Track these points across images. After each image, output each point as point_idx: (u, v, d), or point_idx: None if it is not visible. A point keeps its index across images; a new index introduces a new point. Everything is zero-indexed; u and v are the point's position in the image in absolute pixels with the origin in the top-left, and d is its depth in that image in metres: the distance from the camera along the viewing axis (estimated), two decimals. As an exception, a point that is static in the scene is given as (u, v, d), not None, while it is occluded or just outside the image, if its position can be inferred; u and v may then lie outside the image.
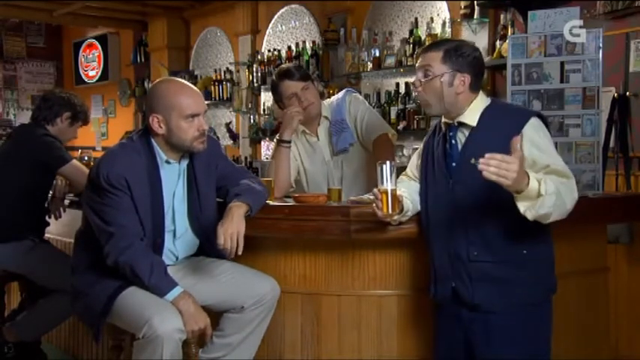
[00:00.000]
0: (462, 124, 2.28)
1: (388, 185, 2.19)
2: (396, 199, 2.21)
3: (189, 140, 2.45)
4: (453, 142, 2.28)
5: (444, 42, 2.34)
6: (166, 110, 2.43)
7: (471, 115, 2.26)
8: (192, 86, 2.54)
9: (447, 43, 2.32)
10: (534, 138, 2.17)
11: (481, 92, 2.32)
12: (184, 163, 2.55)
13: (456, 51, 2.25)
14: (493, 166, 1.91)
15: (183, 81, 2.55)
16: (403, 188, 2.38)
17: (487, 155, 1.92)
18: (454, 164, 2.26)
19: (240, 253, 2.37)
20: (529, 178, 1.98)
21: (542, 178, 2.02)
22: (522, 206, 2.03)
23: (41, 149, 3.41)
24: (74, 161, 3.46)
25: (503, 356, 2.22)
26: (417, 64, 2.33)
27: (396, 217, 2.29)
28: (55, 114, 3.52)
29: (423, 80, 2.27)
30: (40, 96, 3.68)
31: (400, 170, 2.57)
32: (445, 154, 2.30)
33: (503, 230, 2.19)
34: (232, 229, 2.35)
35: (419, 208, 2.38)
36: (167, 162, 2.51)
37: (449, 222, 2.26)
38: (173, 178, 2.53)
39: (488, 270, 2.20)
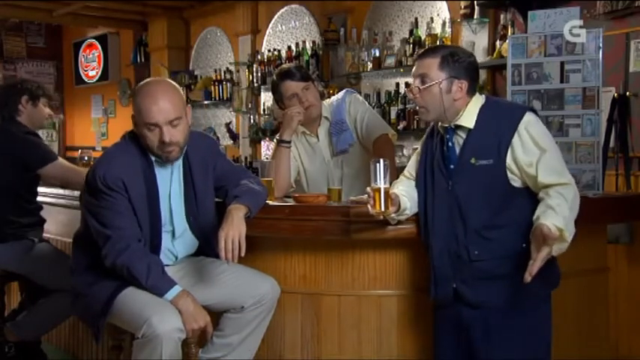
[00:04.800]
0: (459, 127, 2.30)
1: (381, 183, 2.21)
2: (389, 198, 2.23)
3: (154, 148, 2.41)
4: (450, 144, 2.30)
5: (440, 48, 2.36)
6: (136, 113, 2.42)
7: (468, 118, 2.28)
8: (168, 93, 2.40)
9: (443, 49, 2.33)
10: (532, 135, 2.21)
11: (477, 94, 2.33)
12: (178, 162, 2.52)
13: (452, 57, 2.26)
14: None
15: (161, 86, 2.42)
16: (402, 187, 2.40)
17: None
18: (452, 166, 2.28)
19: (242, 255, 2.36)
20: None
21: (553, 219, 2.09)
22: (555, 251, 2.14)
23: (23, 150, 3.38)
24: (59, 160, 3.42)
25: (505, 355, 2.22)
26: (413, 71, 2.33)
27: (393, 215, 2.31)
28: (14, 104, 3.48)
29: (420, 87, 2.27)
30: None
31: (401, 170, 2.59)
32: (443, 156, 2.31)
33: (502, 227, 2.21)
34: (233, 233, 2.34)
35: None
36: (158, 162, 2.49)
37: (449, 222, 2.27)
38: (168, 177, 2.52)
39: (490, 268, 2.22)
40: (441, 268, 2.29)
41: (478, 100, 2.31)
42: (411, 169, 2.49)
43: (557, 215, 2.09)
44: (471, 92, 2.29)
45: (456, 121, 2.29)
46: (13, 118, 3.49)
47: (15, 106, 3.48)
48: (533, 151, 2.19)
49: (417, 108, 2.35)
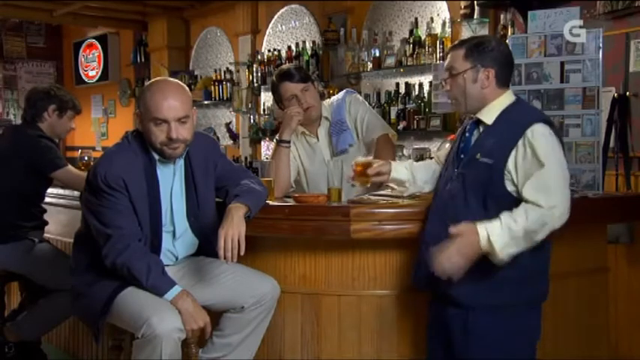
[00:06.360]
0: (480, 121, 2.30)
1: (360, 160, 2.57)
2: (369, 168, 2.50)
3: (158, 144, 2.42)
4: (467, 135, 2.31)
5: (469, 39, 2.36)
6: (143, 109, 2.42)
7: (489, 113, 2.27)
8: (178, 91, 2.44)
9: (471, 40, 2.34)
10: (534, 147, 2.16)
11: (509, 91, 2.32)
12: (180, 161, 2.54)
13: (478, 46, 2.27)
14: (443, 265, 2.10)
15: (171, 84, 2.46)
16: (415, 164, 2.57)
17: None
18: (462, 156, 2.30)
19: (242, 254, 2.36)
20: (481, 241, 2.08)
21: (497, 230, 2.07)
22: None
23: (33, 153, 3.39)
24: (69, 167, 3.44)
25: (481, 356, 2.21)
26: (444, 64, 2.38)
27: (394, 185, 2.56)
28: (41, 110, 3.50)
29: (447, 79, 2.31)
30: (25, 97, 3.65)
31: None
32: (459, 145, 2.34)
33: None
34: (233, 231, 2.34)
35: (430, 188, 2.51)
36: (160, 161, 2.50)
37: (443, 211, 2.29)
38: (169, 177, 2.52)
39: (475, 266, 2.14)
40: (430, 244, 2.21)
41: (507, 98, 2.29)
42: (440, 153, 2.56)
43: (501, 230, 2.06)
44: (501, 82, 2.27)
45: (478, 114, 2.29)
46: (34, 122, 3.51)
47: (40, 112, 3.51)
48: (530, 163, 2.15)
49: (450, 100, 2.38)
